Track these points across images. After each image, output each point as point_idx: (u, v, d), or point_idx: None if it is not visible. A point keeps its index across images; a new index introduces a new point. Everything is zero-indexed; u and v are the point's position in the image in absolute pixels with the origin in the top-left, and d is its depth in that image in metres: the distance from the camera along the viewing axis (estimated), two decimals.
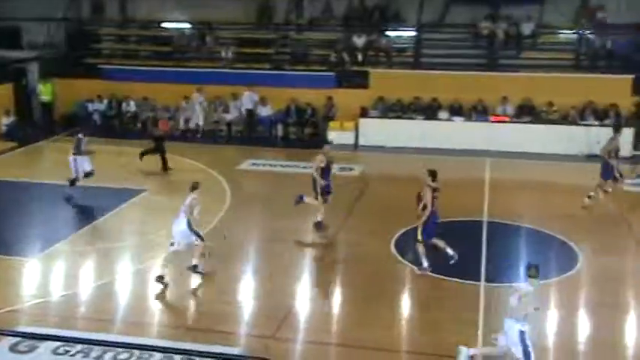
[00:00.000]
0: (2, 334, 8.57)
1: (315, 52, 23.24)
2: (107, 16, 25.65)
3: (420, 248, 11.16)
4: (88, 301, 10.41)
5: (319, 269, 11.64)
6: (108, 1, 25.51)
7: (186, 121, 21.95)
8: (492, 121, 20.18)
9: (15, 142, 20.35)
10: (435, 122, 20.40)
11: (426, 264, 11.15)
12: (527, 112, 20.28)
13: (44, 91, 22.86)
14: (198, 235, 10.85)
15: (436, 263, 11.27)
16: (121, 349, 8.65)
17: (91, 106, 22.85)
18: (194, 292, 10.92)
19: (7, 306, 9.95)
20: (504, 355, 8.13)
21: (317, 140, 21.05)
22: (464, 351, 8.35)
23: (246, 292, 10.93)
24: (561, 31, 22.39)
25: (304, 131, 21.78)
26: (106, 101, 22.93)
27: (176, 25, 24.63)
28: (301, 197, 13.34)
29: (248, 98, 21.50)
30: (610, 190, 14.43)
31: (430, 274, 11.10)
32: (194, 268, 10.97)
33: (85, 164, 14.81)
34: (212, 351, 8.67)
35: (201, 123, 21.71)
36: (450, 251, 11.19)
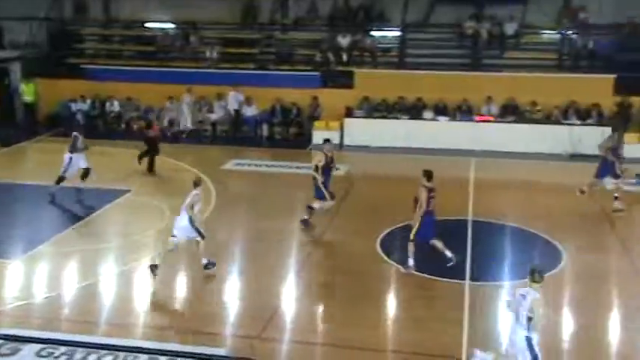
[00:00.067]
0: None
1: (300, 51, 23.24)
2: (90, 15, 25.48)
3: (411, 247, 11.18)
4: (72, 303, 10.32)
5: (305, 269, 11.63)
6: (91, 1, 25.34)
7: (171, 122, 21.85)
8: (477, 121, 20.30)
9: None
10: (420, 122, 20.48)
11: (412, 263, 11.18)
12: (511, 112, 20.42)
13: (27, 92, 22.68)
14: (199, 233, 10.82)
15: (421, 262, 11.31)
16: (105, 351, 8.58)
17: (74, 106, 22.68)
18: (179, 292, 10.88)
19: None
20: None
21: (302, 140, 21.12)
22: (480, 355, 8.12)
23: (232, 293, 10.89)
24: (544, 32, 22.57)
25: (289, 131, 21.80)
26: (89, 101, 22.77)
27: (160, 25, 24.51)
28: (306, 221, 13.18)
29: (233, 98, 21.45)
30: (609, 187, 14.45)
31: (415, 273, 11.13)
32: (206, 267, 10.96)
33: (80, 162, 14.82)
34: (198, 352, 8.67)
35: (188, 124, 21.61)
36: (448, 253, 11.22)
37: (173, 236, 10.87)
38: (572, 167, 18.88)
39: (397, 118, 20.70)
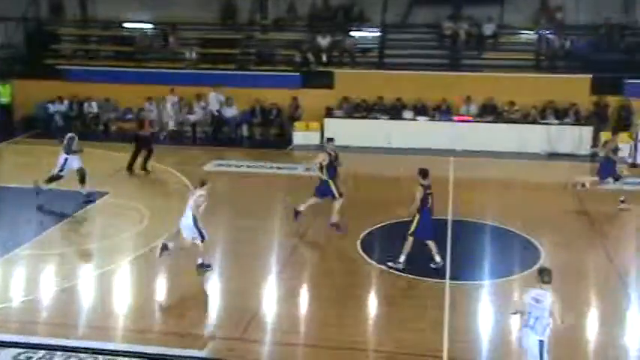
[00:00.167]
0: None
1: (280, 52, 23.20)
2: (67, 16, 25.21)
3: (407, 243, 11.22)
4: (50, 306, 10.21)
5: (286, 269, 11.61)
6: (67, 1, 25.07)
7: (150, 122, 21.67)
8: (456, 121, 20.41)
9: None
10: (400, 122, 20.54)
11: (402, 259, 11.22)
12: (490, 112, 20.57)
13: (3, 93, 22.35)
14: (200, 234, 10.77)
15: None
16: (84, 355, 8.51)
17: (51, 108, 22.42)
18: (159, 294, 10.81)
19: None
20: None
21: (282, 141, 21.10)
22: None
23: (213, 294, 10.85)
24: (522, 32, 22.78)
25: (270, 131, 21.76)
26: (66, 102, 22.53)
27: (138, 25, 24.33)
28: (296, 212, 13.10)
29: (214, 99, 21.34)
30: (607, 187, 14.55)
31: (396, 272, 11.17)
32: (200, 267, 10.91)
33: (74, 163, 14.69)
34: (178, 354, 8.62)
35: (172, 124, 21.44)
36: (437, 258, 11.29)
37: (184, 238, 10.87)
38: (550, 166, 19.10)
39: (377, 118, 20.76)
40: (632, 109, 19.78)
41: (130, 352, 8.62)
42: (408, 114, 20.72)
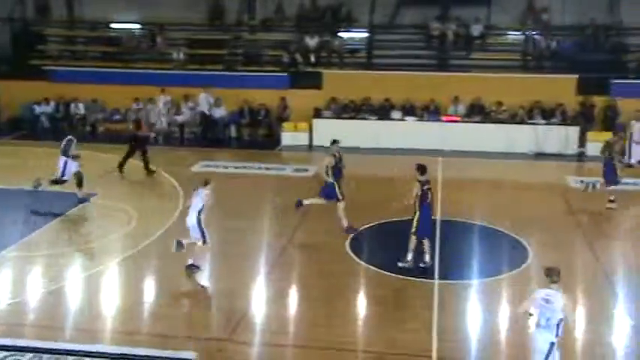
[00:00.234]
0: None
1: (268, 53, 23.18)
2: (53, 16, 25.05)
3: (412, 241, 11.27)
4: (37, 309, 10.13)
5: (274, 270, 11.59)
6: (54, 2, 24.92)
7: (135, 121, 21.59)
8: (444, 121, 20.49)
9: None
10: (388, 122, 20.59)
11: (409, 257, 11.28)
12: (478, 112, 20.67)
13: None
14: (202, 235, 10.74)
15: (390, 262, 11.39)
16: (72, 357, 8.45)
17: (38, 109, 22.30)
18: (147, 296, 10.76)
19: None
20: None
21: (271, 141, 21.08)
22: None
23: (201, 295, 10.80)
24: (508, 33, 22.90)
25: (258, 132, 21.74)
26: (53, 103, 22.39)
27: (125, 25, 24.22)
28: (299, 202, 13.17)
29: (204, 99, 21.27)
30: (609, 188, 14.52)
31: (384, 272, 11.19)
32: (189, 268, 10.86)
33: (72, 166, 14.61)
34: (166, 356, 8.58)
35: (164, 125, 21.31)
36: (427, 258, 11.34)
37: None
38: (538, 166, 19.22)
39: (365, 119, 20.78)
40: (617, 109, 19.95)
41: (119, 354, 8.57)
42: (396, 114, 20.78)
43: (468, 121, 20.44)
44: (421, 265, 11.30)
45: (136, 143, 17.09)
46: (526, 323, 7.91)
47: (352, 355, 8.96)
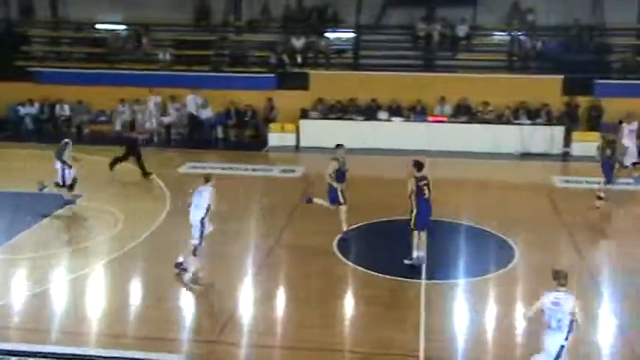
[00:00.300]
0: None
1: (255, 53, 23.15)
2: (37, 17, 24.86)
3: (414, 238, 11.33)
4: (23, 312, 10.04)
5: (262, 271, 11.57)
6: (38, 2, 24.73)
7: (124, 125, 21.47)
8: (431, 121, 20.55)
9: None
10: (375, 123, 20.62)
11: (415, 254, 11.33)
12: (464, 112, 20.75)
13: None
14: (200, 235, 10.67)
15: (378, 262, 11.40)
16: None
17: (22, 110, 22.13)
18: (134, 298, 10.70)
19: None
20: None
21: (258, 142, 21.04)
22: None
23: (187, 297, 10.76)
24: (494, 33, 23.03)
25: (245, 133, 21.70)
26: (37, 105, 22.23)
27: (110, 26, 24.08)
28: (309, 199, 13.12)
29: (192, 101, 21.18)
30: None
31: (372, 272, 11.20)
32: (177, 266, 10.82)
33: (69, 170, 14.41)
34: (153, 359, 8.53)
35: (154, 125, 21.19)
36: (415, 253, 11.38)
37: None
38: (523, 166, 19.33)
39: (352, 119, 20.80)
40: (602, 109, 20.12)
41: (105, 357, 8.51)
42: (382, 115, 20.81)
43: (454, 122, 20.51)
44: (405, 261, 11.37)
45: (127, 146, 16.87)
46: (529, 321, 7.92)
47: (340, 356, 8.97)
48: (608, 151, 14.66)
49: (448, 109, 20.85)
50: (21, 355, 8.45)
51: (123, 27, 24.02)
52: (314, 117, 20.91)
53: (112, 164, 16.82)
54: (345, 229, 12.78)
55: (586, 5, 21.78)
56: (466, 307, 10.31)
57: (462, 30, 22.23)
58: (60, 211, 14.22)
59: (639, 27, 22.26)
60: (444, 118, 20.65)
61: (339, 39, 23.37)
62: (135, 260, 11.86)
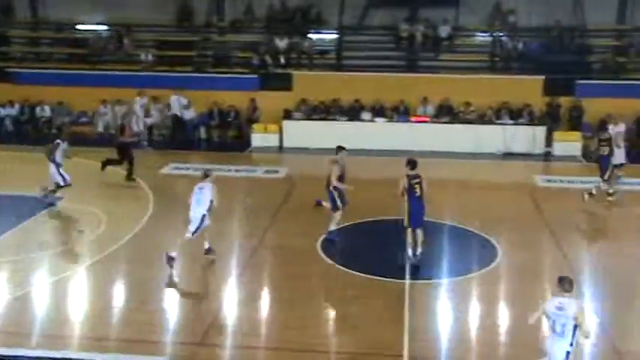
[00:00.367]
0: None
1: (238, 54, 23.08)
2: (17, 17, 24.60)
3: (408, 236, 11.36)
4: (3, 315, 9.92)
5: (245, 272, 11.54)
6: (17, 2, 24.46)
7: (106, 126, 21.32)
8: (413, 122, 20.62)
9: None
10: (358, 123, 20.64)
11: (410, 253, 11.37)
12: (447, 113, 20.85)
13: None
14: (195, 231, 10.81)
15: (362, 262, 11.42)
16: None
17: (2, 112, 21.90)
18: (117, 300, 10.62)
19: None
20: None
21: (241, 143, 20.98)
22: None
23: (171, 299, 10.70)
24: (476, 34, 23.17)
25: (228, 134, 21.63)
26: (17, 106, 22.00)
27: (92, 27, 23.88)
28: (319, 202, 13.05)
29: (176, 102, 21.04)
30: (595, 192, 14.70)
31: (355, 272, 11.21)
32: (169, 259, 10.89)
33: (61, 170, 14.43)
34: None
35: (141, 127, 20.95)
36: (410, 251, 11.45)
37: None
38: (506, 165, 19.46)
39: (335, 120, 20.81)
40: (583, 109, 20.32)
41: None
42: (366, 115, 20.85)
43: (436, 122, 20.59)
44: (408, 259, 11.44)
45: (120, 151, 16.65)
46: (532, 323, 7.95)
47: (324, 357, 8.96)
48: (606, 149, 14.82)
49: (431, 109, 20.94)
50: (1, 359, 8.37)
51: (104, 27, 23.83)
52: (297, 118, 20.91)
53: (104, 165, 16.64)
54: (331, 228, 12.77)
55: (567, 7, 21.97)
56: (450, 307, 10.35)
57: (444, 31, 22.33)
58: (42, 213, 14.08)
59: (619, 28, 22.51)
60: (427, 119, 20.73)
61: (322, 40, 23.38)
62: (118, 262, 11.77)
